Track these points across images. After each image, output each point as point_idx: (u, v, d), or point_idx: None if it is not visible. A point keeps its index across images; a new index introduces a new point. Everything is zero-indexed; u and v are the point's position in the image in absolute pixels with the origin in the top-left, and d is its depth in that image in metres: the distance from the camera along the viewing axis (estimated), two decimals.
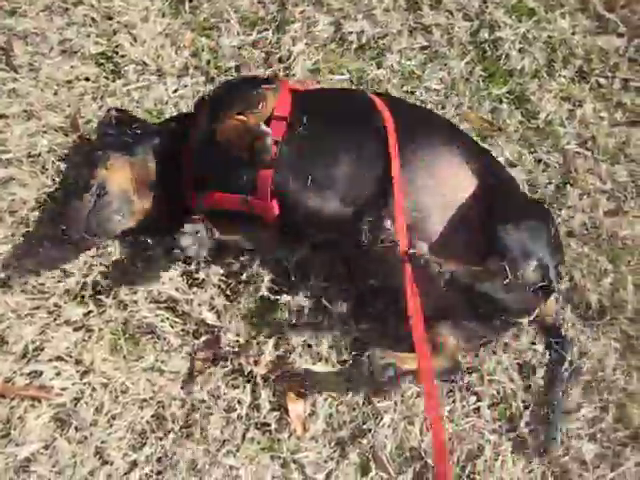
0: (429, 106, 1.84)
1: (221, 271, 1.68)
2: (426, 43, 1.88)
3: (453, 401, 1.58)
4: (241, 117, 1.41)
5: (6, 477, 1.57)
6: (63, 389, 1.64)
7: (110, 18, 1.91)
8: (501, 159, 1.78)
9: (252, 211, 1.45)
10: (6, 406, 1.62)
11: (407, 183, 1.41)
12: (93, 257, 1.67)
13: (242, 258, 1.66)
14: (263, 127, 1.37)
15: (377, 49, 1.87)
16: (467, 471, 1.52)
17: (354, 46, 1.86)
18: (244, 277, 1.65)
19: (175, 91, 1.82)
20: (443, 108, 1.83)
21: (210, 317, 1.63)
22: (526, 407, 1.60)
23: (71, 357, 1.66)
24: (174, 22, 1.89)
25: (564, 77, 1.86)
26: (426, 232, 1.43)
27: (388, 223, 1.38)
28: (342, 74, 1.85)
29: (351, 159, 1.45)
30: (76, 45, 1.89)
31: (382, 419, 1.58)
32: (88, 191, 1.49)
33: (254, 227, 1.51)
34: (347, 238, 1.46)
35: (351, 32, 1.86)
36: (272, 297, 1.64)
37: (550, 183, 1.77)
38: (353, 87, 1.76)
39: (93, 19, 1.89)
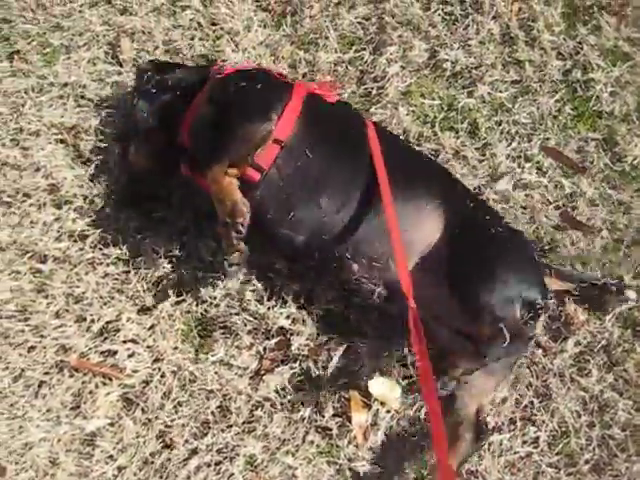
0: (516, 140, 2.03)
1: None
2: (518, 77, 2.11)
3: (513, 425, 1.72)
4: (233, 173, 1.62)
5: (71, 447, 1.77)
6: (134, 371, 1.86)
7: (214, 24, 2.19)
8: (581, 198, 1.95)
9: None
10: (78, 380, 1.84)
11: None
12: (179, 254, 1.91)
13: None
14: (244, 211, 1.56)
15: (470, 78, 2.10)
16: None
17: (447, 73, 2.10)
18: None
19: None
20: (529, 141, 2.04)
21: (284, 320, 1.83)
22: (588, 444, 1.73)
23: (144, 342, 1.87)
24: (275, 34, 2.17)
25: None
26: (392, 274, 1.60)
27: (355, 267, 1.64)
28: (433, 99, 2.06)
29: (333, 194, 1.65)
30: (180, 46, 2.15)
31: None
32: None
33: None
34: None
35: (446, 60, 2.10)
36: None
37: (629, 227, 1.93)
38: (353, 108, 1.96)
39: (199, 23, 2.18)
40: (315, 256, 1.68)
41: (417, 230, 1.67)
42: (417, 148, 2.05)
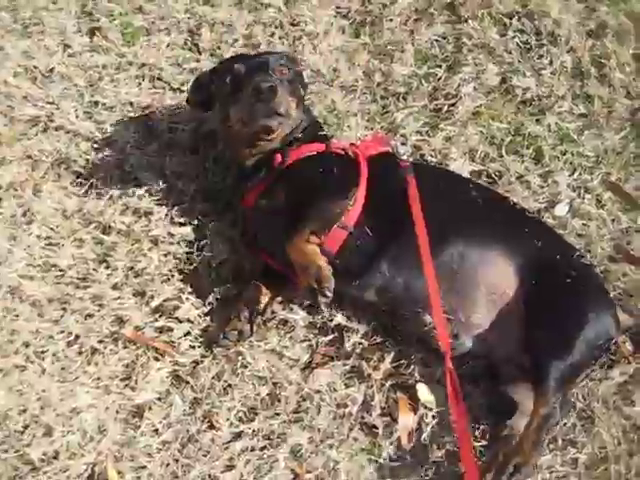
0: (578, 170, 2.19)
1: None
2: (585, 111, 2.29)
3: (554, 443, 1.86)
4: (315, 241, 1.78)
5: (118, 416, 1.90)
6: (187, 350, 1.98)
7: (294, 24, 2.38)
8: (637, 234, 2.11)
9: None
10: (131, 352, 1.97)
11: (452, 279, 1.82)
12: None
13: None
14: (329, 276, 1.69)
15: (539, 107, 2.29)
16: None
17: (518, 99, 2.29)
18: None
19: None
20: (591, 174, 2.21)
21: (340, 317, 1.97)
22: (627, 473, 1.86)
23: (200, 323, 1.99)
24: (353, 41, 2.37)
25: None
26: (470, 326, 1.85)
27: (427, 319, 1.82)
28: (501, 122, 2.23)
29: (389, 261, 1.84)
30: (259, 42, 2.32)
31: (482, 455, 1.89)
32: None
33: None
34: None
35: (518, 86, 2.29)
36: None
37: None
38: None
39: (280, 22, 2.34)
40: (385, 309, 1.92)
41: (484, 277, 1.84)
42: (481, 167, 2.23)
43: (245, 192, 1.96)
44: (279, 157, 1.88)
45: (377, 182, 1.86)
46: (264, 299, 1.92)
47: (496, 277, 1.82)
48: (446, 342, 1.68)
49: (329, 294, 1.66)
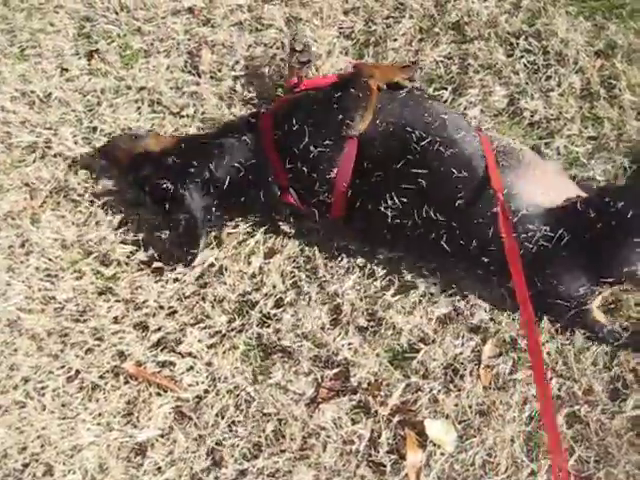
0: None
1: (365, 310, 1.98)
2: (595, 134, 2.23)
3: None
4: None
5: (121, 454, 1.87)
6: (190, 385, 1.95)
7: None
8: None
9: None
10: (133, 388, 1.94)
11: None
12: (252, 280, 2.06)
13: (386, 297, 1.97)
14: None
15: (547, 129, 2.25)
16: None
17: (525, 122, 2.25)
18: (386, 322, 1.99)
19: None
20: None
21: (346, 352, 1.93)
22: None
23: (203, 358, 1.96)
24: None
25: None
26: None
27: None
28: None
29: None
30: (260, 63, 2.27)
31: None
32: None
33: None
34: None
35: (525, 108, 2.23)
36: (406, 345, 2.01)
37: None
38: None
39: (282, 43, 2.29)
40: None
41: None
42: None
43: None
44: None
45: None
46: None
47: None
48: (523, 294, 1.59)
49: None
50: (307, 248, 2.12)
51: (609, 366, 1.98)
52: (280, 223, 2.10)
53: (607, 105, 2.30)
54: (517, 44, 2.35)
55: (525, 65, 2.36)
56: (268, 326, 2.04)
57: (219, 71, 2.35)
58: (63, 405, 1.98)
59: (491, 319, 2.02)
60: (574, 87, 2.32)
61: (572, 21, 2.37)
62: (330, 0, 2.40)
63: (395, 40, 2.39)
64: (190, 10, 2.45)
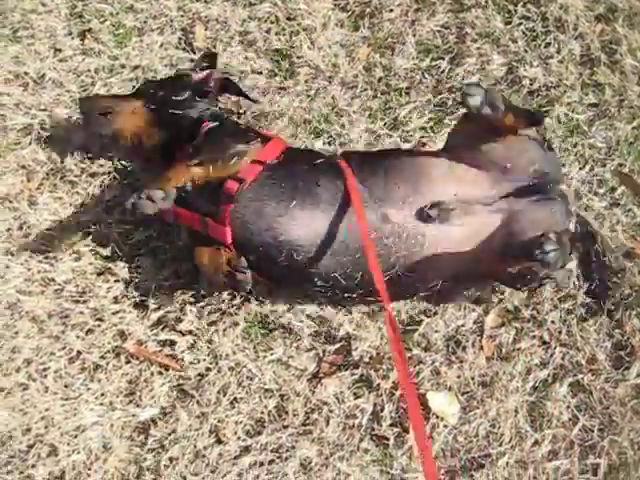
0: (590, 163, 2.12)
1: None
2: (596, 100, 2.20)
3: (571, 449, 1.84)
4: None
5: (124, 433, 1.87)
6: (191, 363, 1.93)
7: (291, 19, 2.29)
8: None
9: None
10: (134, 367, 1.94)
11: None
12: None
13: None
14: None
15: (547, 97, 2.21)
16: None
17: (525, 90, 2.20)
18: None
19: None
20: (603, 166, 2.13)
21: (348, 325, 1.92)
22: None
23: (204, 336, 1.95)
24: (352, 35, 2.28)
25: None
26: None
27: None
28: None
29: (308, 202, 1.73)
30: (255, 38, 2.25)
31: (497, 460, 1.87)
32: None
33: None
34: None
35: (524, 76, 2.20)
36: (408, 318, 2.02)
37: None
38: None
39: (276, 17, 2.27)
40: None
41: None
42: None
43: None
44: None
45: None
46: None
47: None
48: (382, 287, 1.54)
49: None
50: None
51: (612, 334, 1.94)
52: None
53: (608, 71, 2.27)
54: (515, 11, 2.32)
55: (523, 32, 2.32)
56: (267, 301, 2.02)
57: (214, 47, 2.31)
58: (65, 386, 1.98)
59: (494, 290, 1.98)
60: (574, 53, 2.29)
61: None
62: None
63: (391, 11, 2.36)
64: None
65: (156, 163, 1.96)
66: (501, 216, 1.70)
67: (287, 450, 1.91)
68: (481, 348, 1.97)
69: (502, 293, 1.98)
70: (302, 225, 1.72)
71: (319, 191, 1.72)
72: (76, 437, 1.92)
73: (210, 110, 1.97)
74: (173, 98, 1.94)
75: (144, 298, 2.04)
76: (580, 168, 2.19)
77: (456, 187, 1.71)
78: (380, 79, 2.28)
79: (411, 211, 1.70)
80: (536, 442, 1.89)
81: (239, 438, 1.93)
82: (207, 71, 2.08)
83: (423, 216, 1.68)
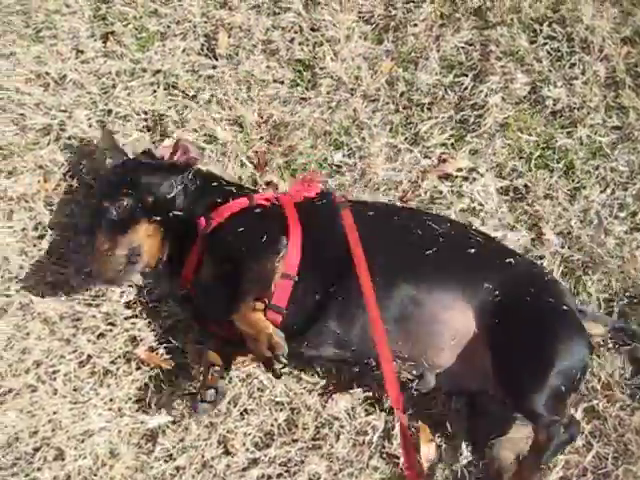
0: (611, 186, 2.09)
1: None
2: (619, 124, 2.18)
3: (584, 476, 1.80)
4: (260, 307, 1.68)
5: (131, 440, 1.85)
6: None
7: (315, 29, 2.28)
8: None
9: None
10: (145, 373, 1.92)
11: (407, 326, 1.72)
12: None
13: None
14: (281, 342, 1.61)
15: (570, 119, 2.20)
16: None
17: (548, 110, 2.21)
18: None
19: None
20: (625, 190, 2.11)
21: None
22: None
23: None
24: (376, 47, 2.28)
25: None
26: (434, 367, 1.78)
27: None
28: (530, 135, 2.14)
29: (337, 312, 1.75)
30: (278, 48, 2.24)
31: None
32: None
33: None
34: None
35: (548, 97, 2.18)
36: None
37: None
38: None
39: (300, 27, 2.27)
40: (349, 361, 1.83)
41: (442, 322, 1.73)
42: (507, 183, 2.14)
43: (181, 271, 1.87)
44: (203, 222, 1.81)
45: (312, 225, 1.79)
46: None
47: (456, 321, 1.72)
48: (395, 396, 1.60)
49: (284, 360, 1.59)
50: None
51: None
52: None
53: (633, 94, 2.26)
54: (541, 30, 2.31)
55: (548, 52, 2.31)
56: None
57: (236, 54, 2.31)
58: (74, 390, 1.96)
59: None
60: (599, 75, 2.28)
61: (598, 7, 2.32)
62: None
63: (415, 25, 2.35)
64: None
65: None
66: None
67: (296, 464, 1.88)
68: None
69: None
70: None
71: None
72: (83, 442, 1.90)
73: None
74: (161, 190, 1.88)
75: (157, 304, 1.99)
76: (601, 191, 2.17)
77: None
78: (402, 93, 2.27)
79: None
80: (548, 468, 1.85)
81: (248, 450, 1.91)
82: (170, 141, 2.05)
83: None
